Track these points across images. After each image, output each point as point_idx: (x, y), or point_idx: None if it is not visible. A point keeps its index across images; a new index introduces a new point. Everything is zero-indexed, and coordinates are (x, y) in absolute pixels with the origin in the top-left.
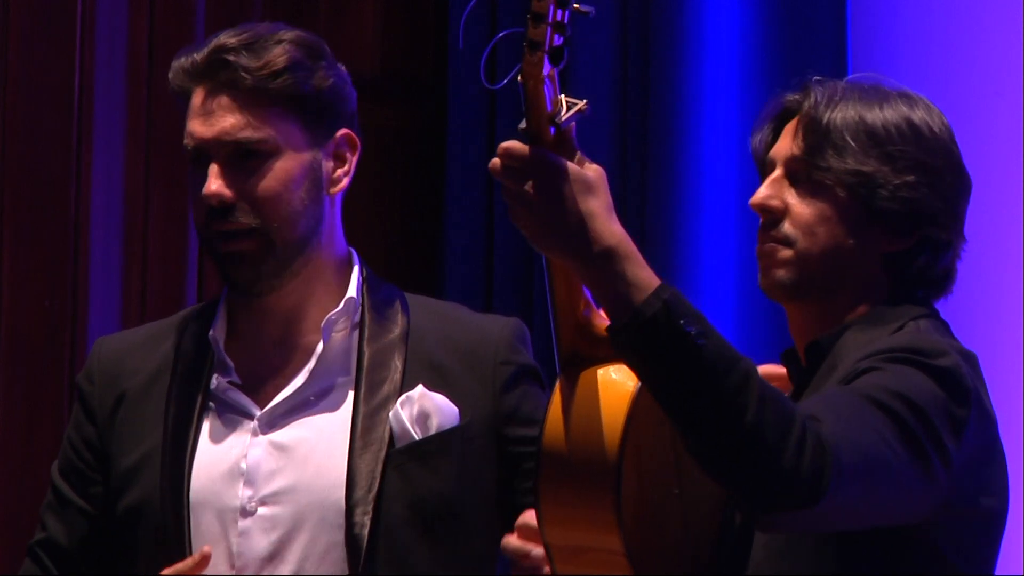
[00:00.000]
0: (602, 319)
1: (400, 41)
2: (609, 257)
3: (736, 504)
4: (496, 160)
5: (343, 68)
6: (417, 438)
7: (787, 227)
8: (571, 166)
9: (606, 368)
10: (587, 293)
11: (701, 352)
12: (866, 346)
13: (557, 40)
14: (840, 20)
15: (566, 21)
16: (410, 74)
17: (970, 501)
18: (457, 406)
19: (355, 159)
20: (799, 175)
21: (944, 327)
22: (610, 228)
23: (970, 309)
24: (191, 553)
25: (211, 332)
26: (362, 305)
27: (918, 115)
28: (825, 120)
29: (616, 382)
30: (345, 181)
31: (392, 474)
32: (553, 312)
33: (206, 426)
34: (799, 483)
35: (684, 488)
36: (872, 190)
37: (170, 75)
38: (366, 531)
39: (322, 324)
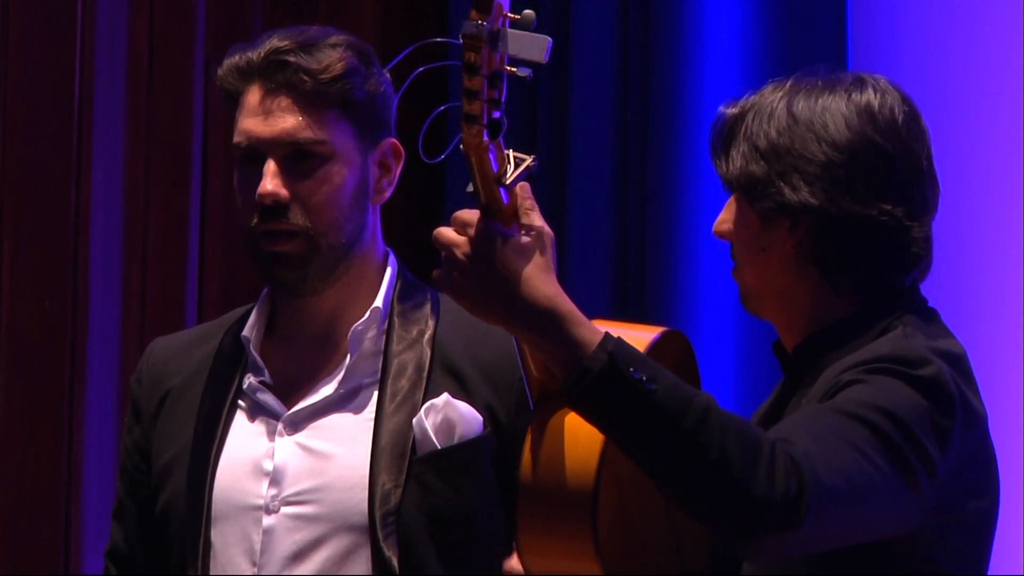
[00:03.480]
0: None
1: (400, 41)
2: (548, 320)
3: (719, 538)
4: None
5: (387, 75)
6: (438, 447)
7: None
8: (499, 230)
9: None
10: None
11: (653, 397)
12: (849, 353)
13: (495, 113)
14: (840, 20)
15: (501, 98)
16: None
17: (959, 506)
18: None
19: (399, 169)
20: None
21: (932, 320)
22: (543, 291)
23: (970, 309)
24: (211, 551)
25: (243, 332)
26: (391, 311)
27: (776, 95)
28: (727, 131)
29: None
30: (388, 191)
31: (411, 483)
32: (520, 351)
33: (235, 425)
34: (775, 508)
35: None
36: (751, 191)
37: (220, 73)
38: (383, 537)
39: (349, 336)
